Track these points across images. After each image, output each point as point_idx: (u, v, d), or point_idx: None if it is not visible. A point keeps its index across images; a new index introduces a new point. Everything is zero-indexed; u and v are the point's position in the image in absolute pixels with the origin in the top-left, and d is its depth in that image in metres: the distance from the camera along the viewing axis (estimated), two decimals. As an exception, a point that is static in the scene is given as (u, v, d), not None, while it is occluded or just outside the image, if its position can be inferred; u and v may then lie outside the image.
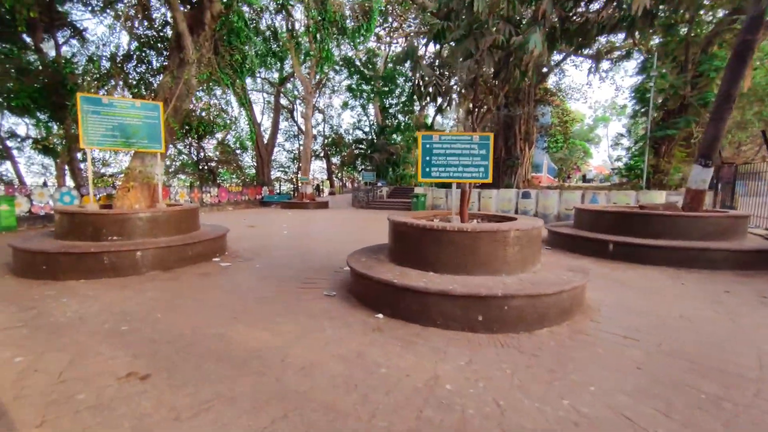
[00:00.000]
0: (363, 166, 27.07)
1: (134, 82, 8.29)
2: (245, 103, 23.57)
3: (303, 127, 30.80)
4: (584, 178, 36.94)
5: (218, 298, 4.54)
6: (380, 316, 3.90)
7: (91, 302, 4.32)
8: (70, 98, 8.15)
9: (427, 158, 4.50)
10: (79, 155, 17.90)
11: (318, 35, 16.85)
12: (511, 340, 3.33)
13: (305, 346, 3.20)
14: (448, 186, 17.40)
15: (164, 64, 8.43)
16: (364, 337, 3.40)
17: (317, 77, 25.38)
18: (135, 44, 8.82)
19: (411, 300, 3.71)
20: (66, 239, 5.81)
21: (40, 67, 12.39)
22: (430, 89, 4.68)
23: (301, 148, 32.97)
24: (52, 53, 14.02)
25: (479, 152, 4.45)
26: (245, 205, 22.43)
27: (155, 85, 8.55)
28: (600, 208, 8.81)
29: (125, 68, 7.98)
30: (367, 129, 29.07)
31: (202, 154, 24.68)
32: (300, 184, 22.65)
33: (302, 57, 21.71)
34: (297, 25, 17.00)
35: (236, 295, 4.66)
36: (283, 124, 33.18)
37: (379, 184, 23.17)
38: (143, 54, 8.28)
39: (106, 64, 8.64)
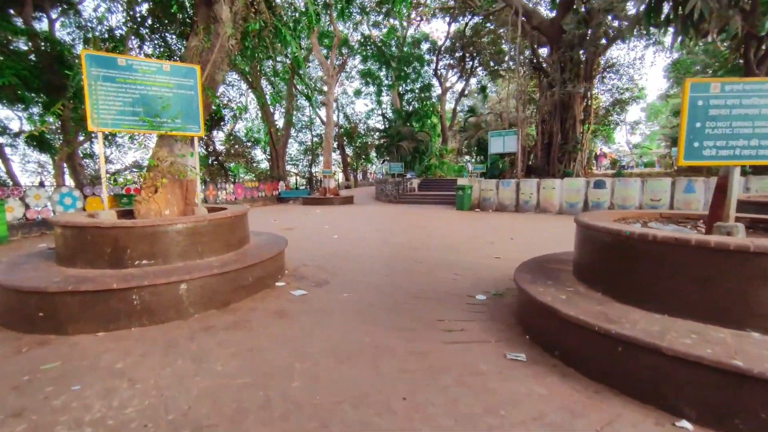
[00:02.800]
0: (385, 157, 25.07)
1: (152, 49, 6.33)
2: (258, 90, 21.58)
3: (321, 116, 28.79)
4: (614, 164, 34.90)
5: (333, 372, 2.68)
6: (687, 426, 2.03)
7: (122, 388, 2.47)
8: (68, 78, 6.24)
9: (697, 125, 2.60)
10: (80, 151, 15.95)
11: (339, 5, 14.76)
12: None
13: None
14: (497, 176, 15.47)
15: (188, 24, 6.46)
16: None
17: (338, 59, 23.34)
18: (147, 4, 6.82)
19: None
20: (73, 266, 3.94)
21: (30, 45, 10.41)
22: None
23: (314, 138, 30.97)
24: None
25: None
26: (262, 201, 20.56)
27: (179, 53, 6.58)
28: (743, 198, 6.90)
29: (140, 31, 6.03)
30: (389, 116, 26.95)
31: (211, 147, 22.70)
32: (322, 178, 20.72)
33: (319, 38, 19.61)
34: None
35: (358, 366, 2.79)
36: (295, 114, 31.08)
37: (408, 175, 21.22)
38: (160, 12, 6.31)
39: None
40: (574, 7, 13.94)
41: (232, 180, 23.31)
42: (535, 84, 18.03)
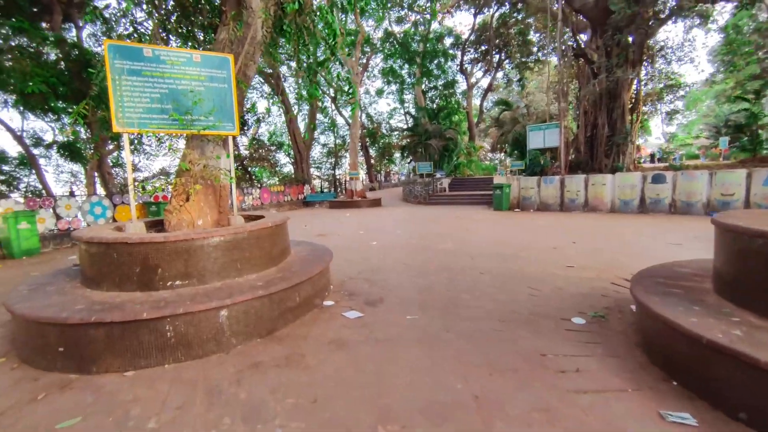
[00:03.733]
0: (410, 157, 24.29)
1: (179, 43, 5.82)
2: (280, 96, 21.26)
3: (345, 117, 28.35)
4: (652, 158, 32.91)
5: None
6: None
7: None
8: (92, 78, 5.84)
9: None
10: (109, 160, 15.99)
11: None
12: None
13: None
14: (538, 173, 14.47)
15: (217, 14, 5.94)
16: None
17: (363, 58, 22.80)
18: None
19: None
20: (98, 287, 3.41)
21: (59, 54, 10.28)
22: None
23: (337, 140, 30.57)
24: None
25: None
26: (288, 206, 20.22)
27: (208, 47, 6.06)
28: None
29: (168, 22, 5.54)
30: (414, 114, 26.17)
31: (235, 150, 22.60)
32: (348, 180, 20.18)
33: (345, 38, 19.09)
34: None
35: None
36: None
37: (438, 175, 20.37)
38: (187, 2, 5.81)
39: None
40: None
41: (258, 185, 23.12)
42: (572, 74, 16.88)
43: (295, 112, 25.72)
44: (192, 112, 3.93)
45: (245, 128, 23.82)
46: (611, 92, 13.02)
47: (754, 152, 14.56)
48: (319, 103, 30.09)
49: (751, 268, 2.47)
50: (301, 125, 27.44)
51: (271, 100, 24.11)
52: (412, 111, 29.95)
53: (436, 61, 29.24)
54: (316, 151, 34.29)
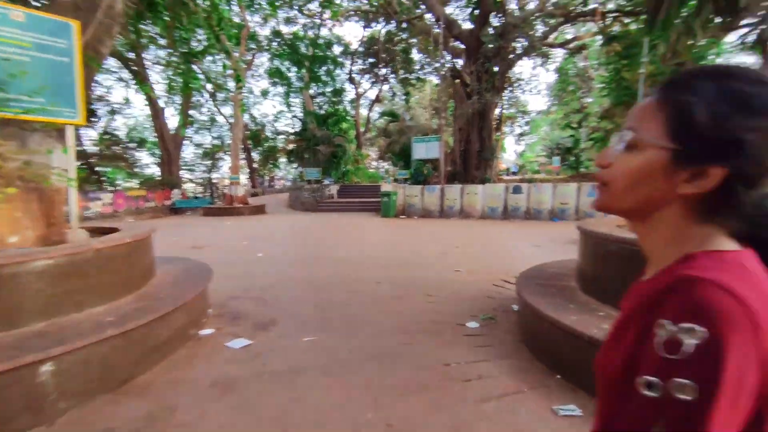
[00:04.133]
0: (298, 162, 23.46)
1: None
2: (145, 82, 18.23)
3: (226, 116, 25.77)
4: (507, 172, 38.82)
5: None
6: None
7: None
8: None
9: None
10: None
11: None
12: None
13: None
14: (421, 182, 15.43)
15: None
16: None
17: (248, 55, 21.06)
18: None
19: None
20: None
21: None
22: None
23: (214, 141, 27.71)
24: None
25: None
26: (151, 213, 17.29)
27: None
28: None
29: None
30: (302, 118, 25.33)
31: (79, 146, 18.35)
32: (228, 185, 18.36)
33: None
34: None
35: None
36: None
37: (327, 181, 20.06)
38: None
39: None
40: (490, 21, 14.74)
41: (110, 188, 19.27)
42: (449, 93, 18.76)
43: (162, 104, 22.32)
44: (5, 88, 2.84)
45: (93, 119, 19.60)
46: (481, 113, 14.86)
47: (577, 170, 18.41)
48: (193, 98, 26.85)
49: (610, 268, 2.88)
50: (171, 122, 23.99)
51: (133, 89, 20.45)
52: (300, 115, 29.11)
53: (325, 67, 29.07)
54: (189, 152, 30.43)
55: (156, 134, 20.37)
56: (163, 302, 3.08)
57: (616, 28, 15.33)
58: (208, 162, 29.04)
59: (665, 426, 0.40)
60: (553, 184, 12.60)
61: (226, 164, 32.73)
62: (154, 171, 24.52)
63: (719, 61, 13.70)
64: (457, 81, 16.89)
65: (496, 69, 14.42)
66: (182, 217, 17.43)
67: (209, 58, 25.37)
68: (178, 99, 21.30)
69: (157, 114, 19.68)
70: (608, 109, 17.57)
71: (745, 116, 0.43)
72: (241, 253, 7.62)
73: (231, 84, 24.39)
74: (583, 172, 18.83)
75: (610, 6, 14.32)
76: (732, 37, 14.53)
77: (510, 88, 16.37)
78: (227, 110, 25.92)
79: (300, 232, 10.71)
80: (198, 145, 29.75)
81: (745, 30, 2.97)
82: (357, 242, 8.77)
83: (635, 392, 0.43)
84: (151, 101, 19.08)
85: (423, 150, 15.79)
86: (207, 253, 7.54)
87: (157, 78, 23.74)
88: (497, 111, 15.99)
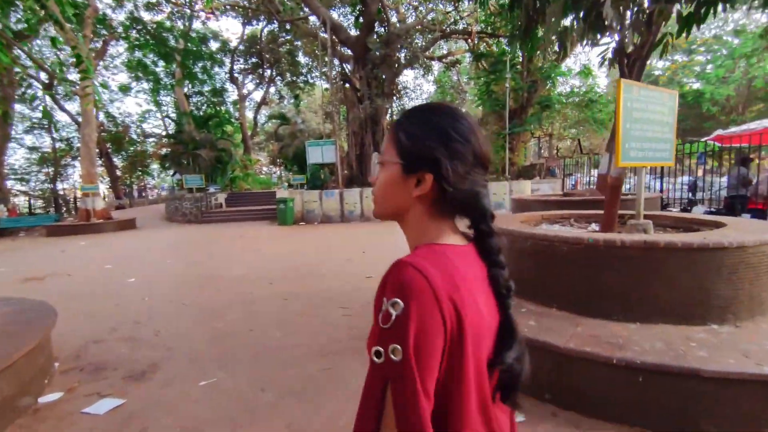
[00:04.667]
0: (174, 168, 20.49)
1: None
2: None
3: (72, 113, 21.00)
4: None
5: None
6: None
7: None
8: None
9: (627, 126, 2.61)
10: None
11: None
12: None
13: None
14: (319, 186, 14.90)
15: None
16: None
17: (97, 42, 17.43)
18: None
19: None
20: None
21: None
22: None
23: (56, 144, 22.51)
24: None
25: (668, 120, 2.92)
26: (-40, 238, 13.06)
27: None
28: (537, 197, 8.83)
29: None
30: (176, 119, 22.15)
31: None
32: (81, 197, 15.00)
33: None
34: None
35: None
36: (21, 109, 21.44)
37: (211, 189, 17.91)
38: None
39: None
40: (375, 29, 15.08)
41: None
42: (340, 98, 18.72)
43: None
44: None
45: None
46: (373, 118, 15.12)
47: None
48: (20, 89, 21.32)
49: (532, 266, 3.00)
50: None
51: None
52: (174, 115, 25.63)
53: (201, 64, 26.17)
54: (19, 157, 24.08)
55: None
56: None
57: (482, 47, 17.42)
58: (50, 170, 23.36)
59: (390, 385, 0.50)
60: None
61: (77, 172, 26.93)
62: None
63: (558, 77, 16.36)
64: (347, 86, 16.91)
65: (383, 76, 14.85)
66: (13, 240, 13.57)
67: (40, 42, 20.51)
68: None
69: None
70: (482, 118, 19.82)
71: (436, 139, 0.59)
72: (102, 280, 6.12)
73: (75, 76, 20.19)
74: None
75: (477, 28, 16.18)
76: (569, 61, 17.83)
77: (397, 96, 17.10)
78: (73, 107, 21.27)
79: (184, 249, 9.25)
80: (32, 149, 23.76)
81: (604, 47, 3.41)
82: (255, 255, 7.92)
83: (371, 361, 0.53)
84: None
85: (318, 154, 15.34)
86: (49, 286, 5.87)
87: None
88: (388, 116, 16.55)
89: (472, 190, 0.60)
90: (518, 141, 15.63)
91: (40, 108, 21.12)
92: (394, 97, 17.21)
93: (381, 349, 0.51)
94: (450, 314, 0.51)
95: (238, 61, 28.30)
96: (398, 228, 0.67)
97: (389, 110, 16.35)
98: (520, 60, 15.36)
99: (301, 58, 28.24)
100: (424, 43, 15.99)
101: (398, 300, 0.50)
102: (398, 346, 0.49)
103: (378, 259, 6.85)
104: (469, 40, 17.14)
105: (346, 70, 17.36)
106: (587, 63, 15.35)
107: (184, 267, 6.95)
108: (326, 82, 29.06)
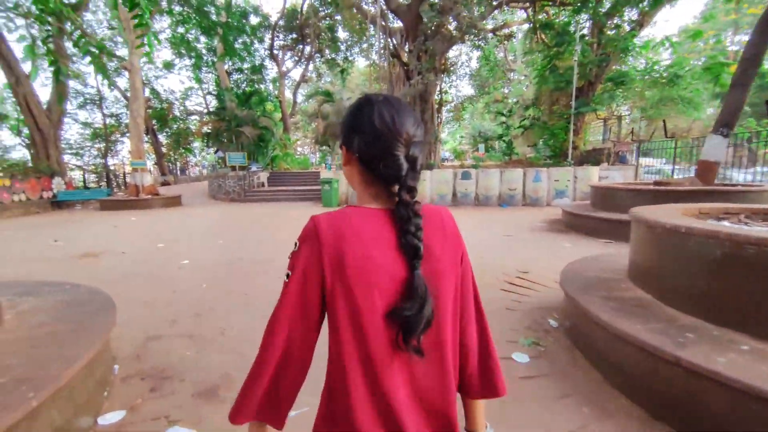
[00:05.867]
0: (216, 146, 20.49)
1: None
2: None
3: (122, 89, 21.37)
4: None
5: None
6: None
7: None
8: None
9: None
10: None
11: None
12: None
13: None
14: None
15: None
16: None
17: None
18: None
19: None
20: None
21: None
22: None
23: (107, 120, 23.07)
24: None
25: None
26: (22, 209, 13.56)
27: None
28: (626, 186, 7.71)
29: None
30: (218, 96, 22.03)
31: None
32: (131, 172, 15.20)
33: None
34: None
35: None
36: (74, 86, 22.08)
37: (254, 168, 17.72)
38: None
39: None
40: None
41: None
42: (386, 75, 17.76)
43: (28, 71, 17.56)
44: None
45: None
46: (422, 95, 14.12)
47: (510, 156, 18.86)
48: (72, 66, 21.85)
49: (684, 268, 2.15)
50: (43, 93, 19.22)
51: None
52: (215, 93, 25.59)
53: (241, 40, 25.80)
54: (73, 132, 25.02)
55: (21, 109, 15.94)
56: (6, 391, 1.58)
57: (542, 16, 15.73)
58: (101, 145, 24.13)
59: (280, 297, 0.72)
60: (500, 169, 12.45)
61: (125, 148, 27.78)
62: (23, 155, 19.53)
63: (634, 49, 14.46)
64: (394, 60, 15.88)
65: (435, 49, 13.70)
66: (70, 213, 14.00)
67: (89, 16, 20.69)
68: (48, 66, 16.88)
69: (18, 80, 15.33)
70: (538, 98, 18.23)
71: (349, 125, 0.75)
72: (156, 261, 5.78)
73: (123, 51, 20.27)
74: (515, 158, 19.42)
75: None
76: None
77: (446, 72, 15.85)
78: (122, 83, 21.58)
79: (232, 229, 8.91)
80: (85, 124, 24.57)
81: None
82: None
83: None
84: (5, 62, 14.76)
85: (366, 133, 14.59)
86: (104, 264, 5.59)
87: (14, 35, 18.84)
88: (437, 94, 15.47)
89: (385, 163, 0.69)
90: (582, 123, 14.11)
91: (92, 84, 21.53)
92: (443, 74, 16.05)
93: (287, 272, 0.71)
94: (330, 256, 0.66)
95: (278, 36, 27.74)
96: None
97: (439, 87, 15.25)
98: (589, 31, 13.74)
99: (341, 34, 27.32)
100: (480, 11, 14.56)
101: (297, 241, 0.71)
102: (289, 272, 0.71)
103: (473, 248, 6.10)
104: (530, 10, 15.54)
105: (392, 45, 16.33)
106: (668, 36, 13.37)
107: (237, 249, 6.52)
108: (367, 58, 28.02)
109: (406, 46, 14.47)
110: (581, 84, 13.50)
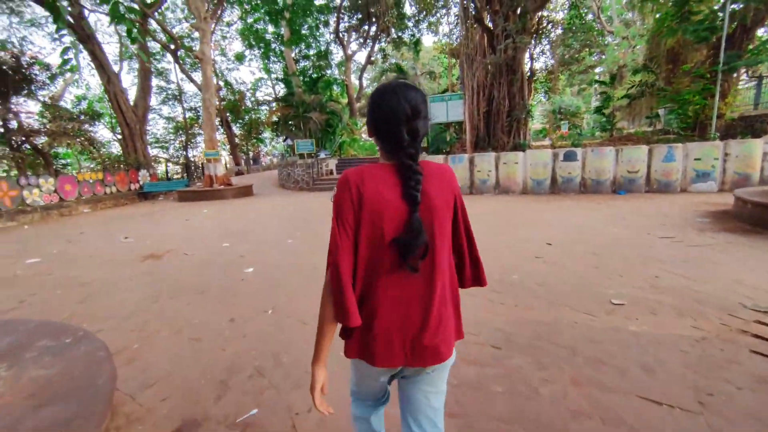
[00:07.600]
0: (285, 134, 20.23)
1: None
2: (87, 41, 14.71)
3: (197, 81, 22.08)
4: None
5: None
6: None
7: None
8: None
9: None
10: None
11: None
12: None
13: None
14: (442, 151, 12.67)
15: None
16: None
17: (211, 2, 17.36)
18: None
19: None
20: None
21: None
22: None
23: (186, 113, 24.07)
24: None
25: None
26: (113, 201, 14.26)
27: None
28: None
29: None
30: (287, 81, 21.73)
31: (14, 121, 14.87)
32: (205, 162, 15.32)
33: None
34: None
35: None
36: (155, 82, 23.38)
37: (322, 155, 17.04)
38: None
39: None
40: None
41: (56, 170, 16.04)
42: (467, 43, 15.68)
43: (116, 69, 18.63)
44: None
45: (30, 88, 15.94)
46: (509, 64, 11.98)
47: (611, 132, 15.80)
48: (155, 63, 23.00)
49: None
50: (132, 91, 20.41)
51: (72, 50, 16.65)
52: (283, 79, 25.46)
53: (306, 25, 25.24)
54: (159, 126, 26.72)
55: (112, 105, 16.87)
56: None
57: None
58: (183, 138, 25.44)
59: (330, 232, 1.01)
60: (616, 148, 10.01)
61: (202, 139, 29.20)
62: (117, 149, 21.06)
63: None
64: (477, 25, 13.71)
65: (526, 6, 11.34)
66: (153, 204, 14.49)
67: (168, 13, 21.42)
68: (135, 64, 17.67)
69: (110, 80, 16.14)
70: (653, 59, 14.83)
71: (367, 113, 1.04)
72: (218, 267, 4.90)
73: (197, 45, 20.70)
74: (619, 135, 16.32)
75: None
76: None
77: (537, 35, 13.24)
78: (198, 76, 22.18)
79: (303, 223, 7.98)
80: (169, 119, 26.05)
81: None
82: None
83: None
84: (99, 63, 15.53)
85: (443, 111, 12.90)
86: (162, 271, 4.82)
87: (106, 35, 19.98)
88: (527, 62, 13.12)
89: (389, 138, 0.99)
90: (731, 83, 10.88)
91: (172, 80, 22.46)
92: (534, 38, 13.58)
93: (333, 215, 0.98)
94: (355, 196, 0.95)
95: (343, 18, 26.75)
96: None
97: (529, 53, 12.90)
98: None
99: (408, 10, 25.55)
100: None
101: (335, 190, 0.98)
102: (334, 213, 0.98)
103: (591, 266, 4.35)
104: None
105: (473, 8, 14.19)
106: None
107: (308, 252, 5.45)
108: (435, 34, 25.69)
109: (489, 7, 12.32)
110: (731, 29, 10.28)
